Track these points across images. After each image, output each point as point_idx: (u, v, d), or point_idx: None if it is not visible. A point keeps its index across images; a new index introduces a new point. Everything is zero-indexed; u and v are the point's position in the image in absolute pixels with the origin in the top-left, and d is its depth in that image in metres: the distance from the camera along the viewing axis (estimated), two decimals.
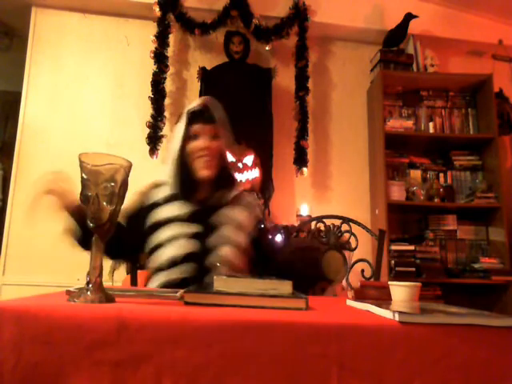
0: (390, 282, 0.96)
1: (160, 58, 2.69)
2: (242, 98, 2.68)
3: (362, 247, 1.77)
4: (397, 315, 0.66)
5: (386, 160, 2.75)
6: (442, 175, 2.96)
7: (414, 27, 2.88)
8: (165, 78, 2.70)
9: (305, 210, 2.73)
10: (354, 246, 1.72)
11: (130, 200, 1.33)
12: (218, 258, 1.26)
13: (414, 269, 2.63)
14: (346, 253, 1.72)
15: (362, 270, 1.70)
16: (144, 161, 2.63)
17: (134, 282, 1.49)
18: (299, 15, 2.82)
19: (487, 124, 2.88)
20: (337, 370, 0.62)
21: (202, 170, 1.32)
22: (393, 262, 2.63)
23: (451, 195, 2.83)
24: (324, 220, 1.78)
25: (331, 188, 2.96)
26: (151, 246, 1.30)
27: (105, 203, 0.74)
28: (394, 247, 2.67)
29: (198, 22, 2.76)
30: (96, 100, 2.85)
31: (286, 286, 0.81)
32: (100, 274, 0.75)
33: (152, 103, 2.65)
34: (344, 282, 1.70)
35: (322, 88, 3.07)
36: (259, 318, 0.65)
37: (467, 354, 0.65)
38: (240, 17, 2.76)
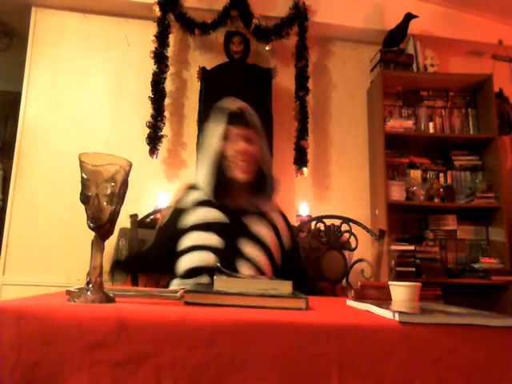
0: (390, 282, 0.96)
1: (160, 58, 2.69)
2: (242, 98, 2.66)
3: (362, 247, 1.77)
4: (397, 315, 0.66)
5: (385, 160, 2.75)
6: (442, 175, 2.95)
7: (413, 27, 2.88)
8: (165, 78, 2.70)
9: (305, 210, 2.73)
10: (353, 245, 1.72)
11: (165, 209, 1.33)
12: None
13: (414, 269, 2.63)
14: (346, 253, 1.72)
15: (362, 270, 1.70)
16: (144, 161, 2.64)
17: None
18: (299, 15, 2.82)
19: (487, 124, 2.88)
20: (337, 369, 0.62)
21: (239, 173, 1.29)
22: (393, 262, 2.63)
23: (451, 195, 2.83)
24: (324, 220, 1.78)
25: (331, 188, 2.96)
26: (177, 251, 1.28)
27: (105, 203, 0.74)
28: (394, 247, 2.67)
29: (198, 22, 2.76)
30: (96, 100, 2.85)
31: (285, 286, 0.81)
32: (100, 274, 0.75)
33: (152, 103, 2.65)
34: (344, 282, 1.70)
35: (321, 88, 3.07)
36: (259, 318, 0.65)
37: (467, 354, 0.65)
38: (240, 17, 2.76)
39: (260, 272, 1.25)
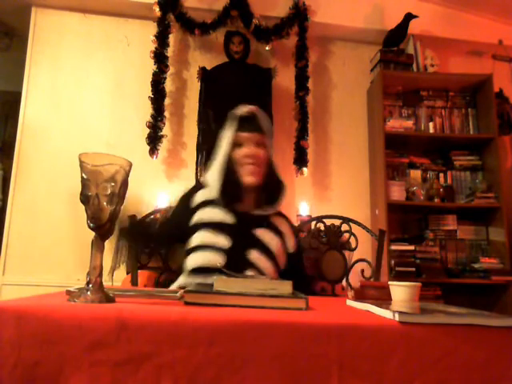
0: (390, 282, 0.96)
1: (160, 58, 2.69)
2: (242, 98, 2.65)
3: (362, 247, 1.77)
4: (397, 315, 0.66)
5: (386, 160, 2.75)
6: (442, 175, 2.95)
7: (413, 27, 2.87)
8: (165, 78, 2.70)
9: (305, 210, 2.73)
10: (353, 245, 1.72)
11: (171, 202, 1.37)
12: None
13: (414, 269, 2.62)
14: (346, 253, 1.72)
15: (362, 270, 1.70)
16: (144, 161, 2.64)
17: (134, 281, 1.49)
18: (299, 15, 2.82)
19: (487, 124, 2.88)
20: (337, 369, 0.62)
21: (248, 176, 1.30)
22: (393, 261, 2.63)
23: (451, 195, 2.83)
24: (324, 220, 1.78)
25: (331, 188, 2.96)
26: (186, 248, 1.30)
27: (105, 203, 0.74)
28: (393, 247, 2.67)
29: (198, 22, 2.75)
30: (96, 100, 2.85)
31: (285, 286, 0.81)
32: (100, 274, 0.75)
33: (152, 103, 2.65)
34: (344, 282, 1.70)
35: (321, 88, 3.07)
36: (259, 318, 0.65)
37: (467, 354, 0.65)
38: (240, 17, 2.76)
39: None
